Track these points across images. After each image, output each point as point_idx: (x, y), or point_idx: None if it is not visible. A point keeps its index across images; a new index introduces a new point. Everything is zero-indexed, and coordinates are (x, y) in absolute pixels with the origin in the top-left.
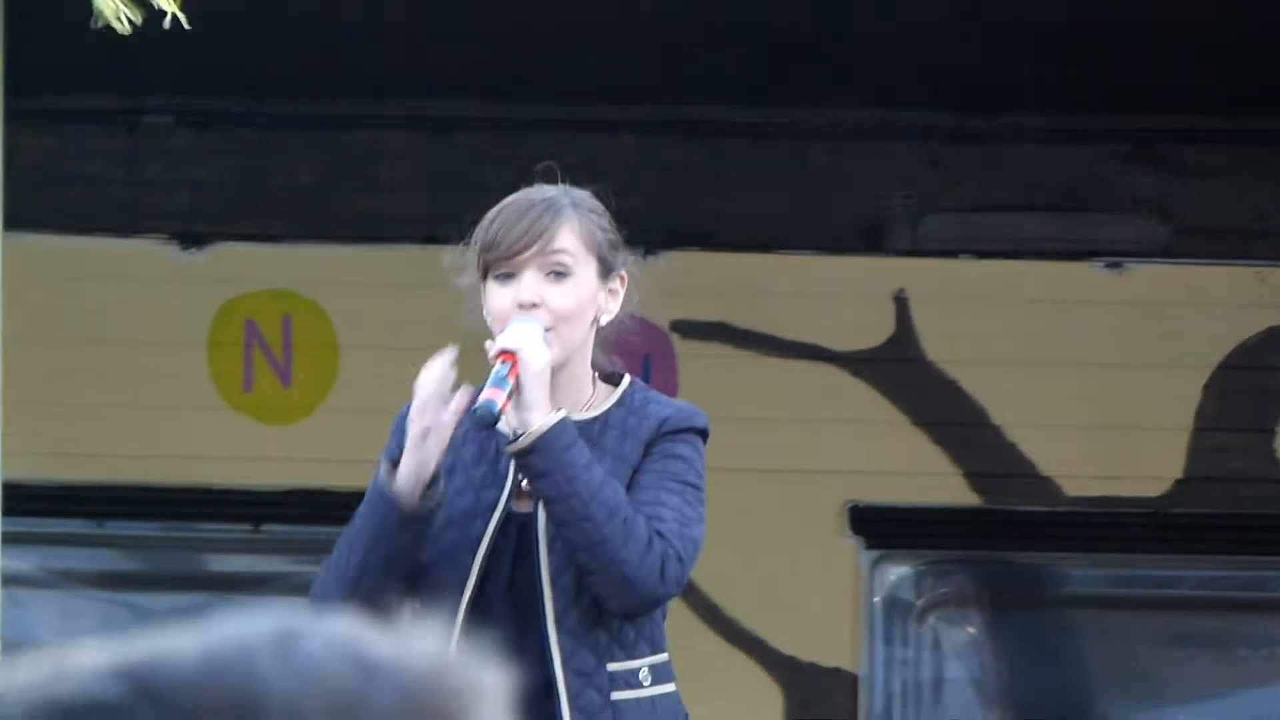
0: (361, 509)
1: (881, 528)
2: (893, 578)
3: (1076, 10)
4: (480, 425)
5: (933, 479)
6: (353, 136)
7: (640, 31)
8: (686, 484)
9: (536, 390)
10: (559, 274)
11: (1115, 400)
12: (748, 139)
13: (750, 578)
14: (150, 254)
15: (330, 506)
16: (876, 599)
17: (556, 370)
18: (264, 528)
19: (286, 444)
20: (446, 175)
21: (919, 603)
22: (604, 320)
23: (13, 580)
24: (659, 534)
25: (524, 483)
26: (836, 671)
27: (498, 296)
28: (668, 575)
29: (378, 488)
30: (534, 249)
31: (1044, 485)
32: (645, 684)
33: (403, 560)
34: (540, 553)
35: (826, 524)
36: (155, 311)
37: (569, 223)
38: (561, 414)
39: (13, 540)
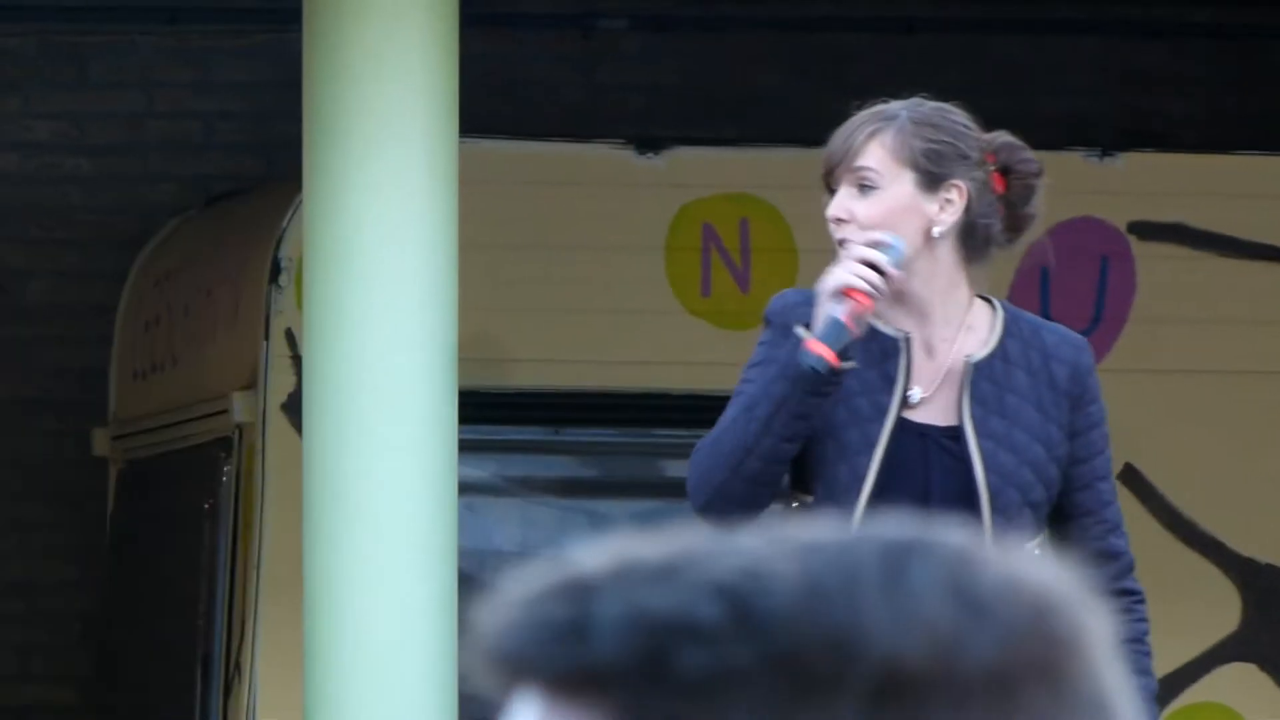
0: (765, 379)
1: None
2: None
3: None
4: (804, 381)
5: None
6: (810, 38)
7: None
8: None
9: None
10: (866, 188)
11: None
12: (1207, 38)
13: (1207, 479)
14: (606, 158)
15: None
16: None
17: (911, 279)
18: None
19: (745, 349)
20: (905, 76)
21: None
22: (936, 232)
23: (470, 488)
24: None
25: (911, 394)
26: None
27: (826, 208)
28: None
29: (797, 338)
30: (841, 164)
31: None
32: None
33: (805, 426)
34: (976, 474)
35: None
36: (612, 216)
37: (880, 136)
38: None
39: (469, 448)
